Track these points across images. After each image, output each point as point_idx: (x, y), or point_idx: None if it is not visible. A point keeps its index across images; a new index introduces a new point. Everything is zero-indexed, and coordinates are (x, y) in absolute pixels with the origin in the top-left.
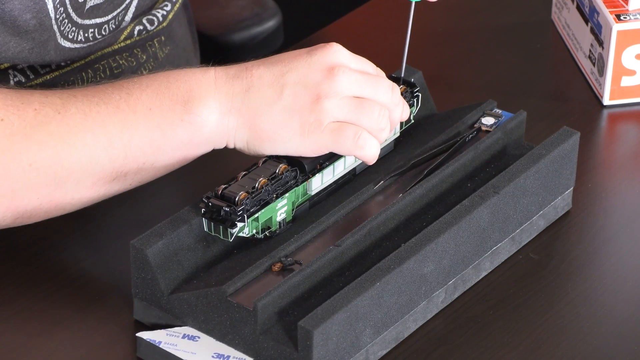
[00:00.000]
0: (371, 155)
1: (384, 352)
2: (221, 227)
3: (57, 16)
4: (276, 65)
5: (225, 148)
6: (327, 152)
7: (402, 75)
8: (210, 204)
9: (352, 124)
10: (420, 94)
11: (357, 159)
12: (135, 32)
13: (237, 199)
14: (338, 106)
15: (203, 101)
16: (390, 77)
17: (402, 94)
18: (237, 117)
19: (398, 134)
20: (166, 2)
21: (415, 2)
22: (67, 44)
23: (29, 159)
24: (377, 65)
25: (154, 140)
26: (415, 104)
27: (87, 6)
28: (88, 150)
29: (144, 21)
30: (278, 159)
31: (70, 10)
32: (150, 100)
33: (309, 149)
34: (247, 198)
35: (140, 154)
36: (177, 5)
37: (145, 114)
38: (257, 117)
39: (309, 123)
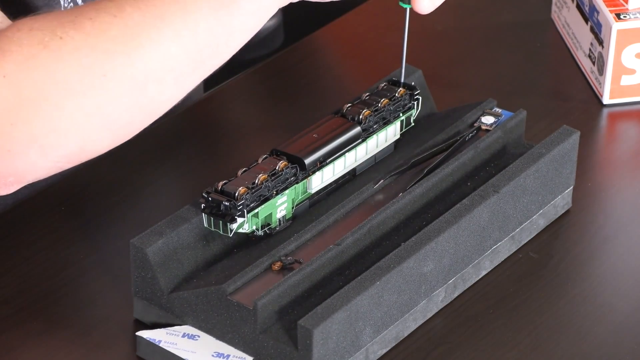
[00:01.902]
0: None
1: (384, 351)
2: (221, 222)
3: (66, 5)
4: None
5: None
6: None
7: (402, 79)
8: (210, 198)
9: None
10: (420, 97)
11: (357, 159)
12: None
13: (236, 194)
14: None
15: None
16: (389, 80)
17: (401, 97)
18: None
19: (398, 136)
20: None
21: (410, 7)
22: None
23: (101, 69)
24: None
25: (221, 19)
26: (415, 107)
27: None
28: (157, 46)
29: None
30: (278, 155)
31: (79, 3)
32: None
33: None
34: (247, 193)
35: (211, 37)
36: None
37: None
38: None
39: None
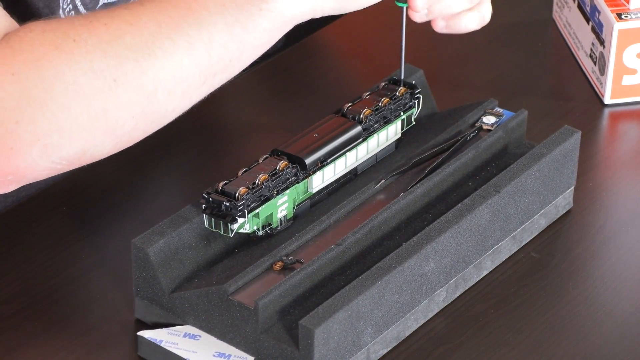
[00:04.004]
0: None
1: (385, 351)
2: (222, 222)
3: (64, 6)
4: None
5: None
6: None
7: (402, 77)
8: (210, 199)
9: None
10: (421, 96)
11: (358, 158)
12: None
13: (237, 194)
14: None
15: None
16: (390, 79)
17: (402, 96)
18: None
19: (399, 135)
20: None
21: (406, 7)
22: None
23: (112, 74)
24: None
25: (235, 35)
26: (416, 106)
27: (100, 3)
28: (170, 57)
29: None
30: (279, 155)
31: (77, 2)
32: None
33: None
34: (248, 193)
35: (224, 51)
36: None
37: (220, 10)
38: None
39: None
